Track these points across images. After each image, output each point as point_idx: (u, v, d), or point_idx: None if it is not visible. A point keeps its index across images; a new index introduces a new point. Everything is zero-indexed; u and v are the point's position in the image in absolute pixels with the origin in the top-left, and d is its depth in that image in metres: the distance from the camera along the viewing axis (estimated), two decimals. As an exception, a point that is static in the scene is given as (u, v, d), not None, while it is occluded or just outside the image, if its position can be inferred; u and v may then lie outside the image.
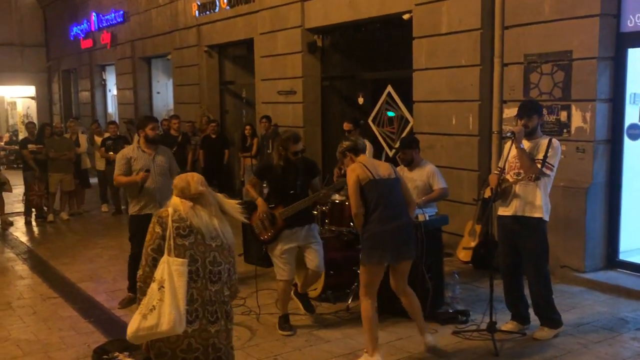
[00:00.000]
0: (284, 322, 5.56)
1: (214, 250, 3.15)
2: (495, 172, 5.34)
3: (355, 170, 4.72)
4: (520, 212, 5.13)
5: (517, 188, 5.13)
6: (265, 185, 6.06)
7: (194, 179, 3.23)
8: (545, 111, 6.59)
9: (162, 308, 2.90)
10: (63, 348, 5.27)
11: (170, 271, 2.95)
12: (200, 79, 13.84)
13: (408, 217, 4.84)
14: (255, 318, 5.79)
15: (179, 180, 3.25)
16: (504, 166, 5.18)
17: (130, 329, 3.00)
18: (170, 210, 3.15)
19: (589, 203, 6.66)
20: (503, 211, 5.26)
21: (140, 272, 3.11)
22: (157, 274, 2.98)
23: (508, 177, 5.17)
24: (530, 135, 5.16)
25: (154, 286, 2.96)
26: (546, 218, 5.14)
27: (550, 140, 5.11)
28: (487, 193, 6.43)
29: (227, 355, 3.21)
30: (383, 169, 4.82)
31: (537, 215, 5.08)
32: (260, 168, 5.86)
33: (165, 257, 3.00)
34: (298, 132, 5.99)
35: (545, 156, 5.03)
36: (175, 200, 3.20)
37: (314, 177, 5.64)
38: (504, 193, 5.16)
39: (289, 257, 5.46)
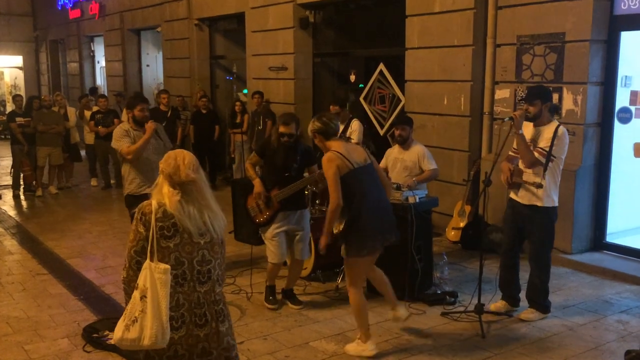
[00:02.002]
0: (270, 293, 5.62)
1: (203, 248, 2.85)
2: (510, 154, 5.26)
3: (333, 161, 4.46)
4: (527, 201, 5.11)
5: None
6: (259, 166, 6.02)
7: (184, 163, 2.82)
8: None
9: (144, 321, 2.71)
10: (53, 326, 5.28)
11: (153, 279, 2.72)
12: (190, 53, 13.67)
13: (388, 200, 4.74)
14: (246, 297, 5.83)
15: (167, 164, 2.84)
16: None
17: (115, 336, 2.83)
18: (154, 204, 2.80)
19: (578, 185, 6.70)
20: (515, 196, 5.23)
21: (124, 275, 2.88)
22: (140, 280, 2.75)
23: (521, 166, 5.12)
24: (534, 120, 5.09)
25: (136, 294, 2.76)
26: (550, 204, 5.09)
27: (556, 130, 5.00)
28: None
29: (218, 359, 2.96)
30: (358, 154, 4.59)
31: (546, 204, 5.07)
32: (261, 145, 5.80)
33: (147, 263, 2.75)
34: (294, 114, 5.89)
35: (551, 147, 4.97)
36: (163, 189, 2.84)
37: (311, 164, 5.60)
38: (514, 185, 5.15)
39: (281, 239, 5.50)
